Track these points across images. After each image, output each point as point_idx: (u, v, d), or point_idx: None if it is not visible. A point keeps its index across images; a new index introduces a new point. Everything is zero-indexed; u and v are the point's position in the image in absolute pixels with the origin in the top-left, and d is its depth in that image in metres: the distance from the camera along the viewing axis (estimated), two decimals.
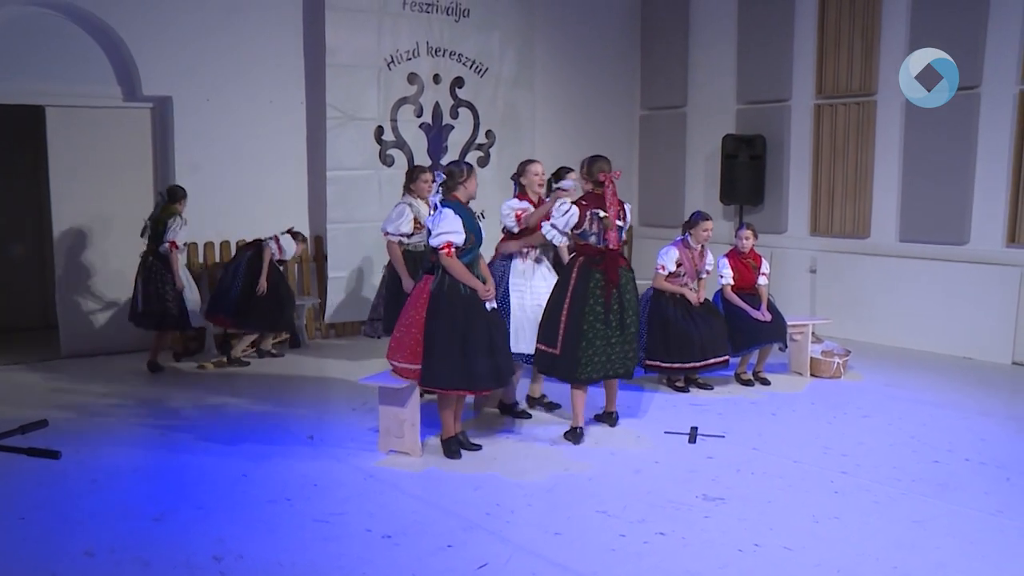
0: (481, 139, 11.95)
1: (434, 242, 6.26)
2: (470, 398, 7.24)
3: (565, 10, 12.85)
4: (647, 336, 8.20)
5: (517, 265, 7.32)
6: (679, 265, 8.29)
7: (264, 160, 10.32)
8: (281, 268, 9.47)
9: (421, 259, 7.92)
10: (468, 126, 11.82)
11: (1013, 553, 5.03)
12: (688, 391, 8.43)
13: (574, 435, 6.91)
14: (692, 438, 7.00)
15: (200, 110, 10.05)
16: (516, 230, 7.30)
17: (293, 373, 9.16)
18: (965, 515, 5.53)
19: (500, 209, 7.52)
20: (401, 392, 6.47)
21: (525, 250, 7.33)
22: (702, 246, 8.41)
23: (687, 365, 8.23)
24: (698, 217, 8.36)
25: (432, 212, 6.46)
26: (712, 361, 8.28)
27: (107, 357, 9.72)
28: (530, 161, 7.61)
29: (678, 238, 8.48)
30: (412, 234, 8.05)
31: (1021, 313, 9.72)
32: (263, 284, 9.04)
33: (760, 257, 8.89)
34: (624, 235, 7.04)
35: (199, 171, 9.91)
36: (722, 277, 8.76)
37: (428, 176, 8.11)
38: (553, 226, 6.83)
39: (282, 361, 9.65)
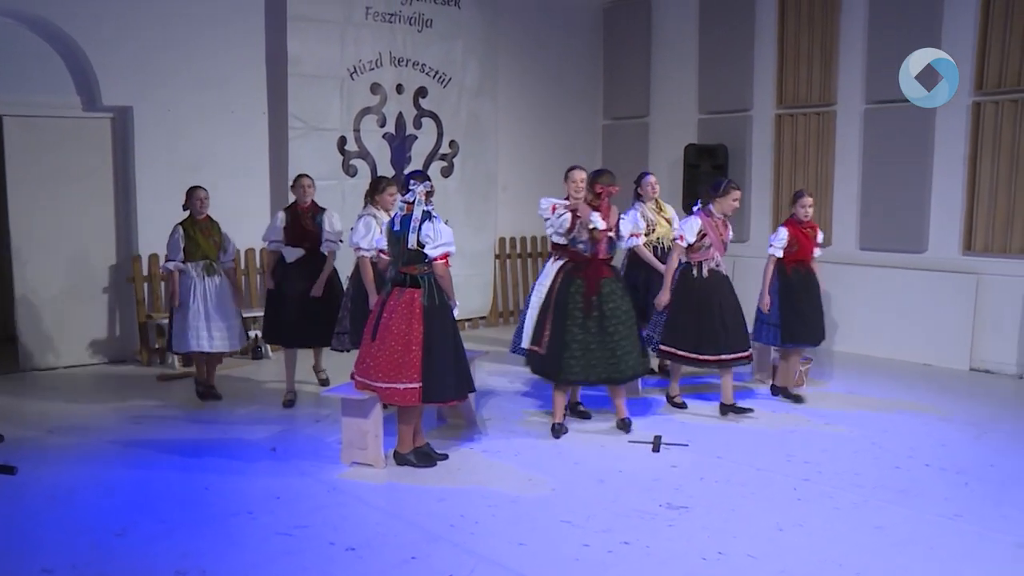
0: (445, 149, 11.95)
1: (434, 252, 6.29)
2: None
3: (528, 20, 12.88)
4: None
5: (548, 266, 7.66)
6: (703, 236, 7.77)
7: (226, 171, 10.23)
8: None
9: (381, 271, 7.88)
10: (432, 136, 11.81)
11: (972, 557, 5.07)
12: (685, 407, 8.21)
13: (554, 431, 7.26)
14: (656, 447, 7.00)
15: (161, 120, 9.98)
16: (546, 217, 7.50)
17: (256, 385, 9.09)
18: (925, 520, 5.58)
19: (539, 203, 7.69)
20: (364, 404, 6.44)
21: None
22: (725, 216, 7.87)
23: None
24: (727, 185, 7.81)
25: (424, 221, 6.39)
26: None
27: (67, 370, 9.60)
28: (573, 168, 7.63)
29: (696, 207, 7.97)
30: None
31: (977, 320, 9.84)
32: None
33: (816, 226, 8.56)
34: (617, 248, 7.35)
35: (159, 181, 9.82)
36: (772, 246, 8.35)
37: (394, 190, 7.87)
38: (551, 226, 7.35)
39: (245, 373, 9.57)
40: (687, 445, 7.08)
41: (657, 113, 13.03)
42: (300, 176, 8.52)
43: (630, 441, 7.18)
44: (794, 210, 8.46)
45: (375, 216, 7.80)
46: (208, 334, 8.10)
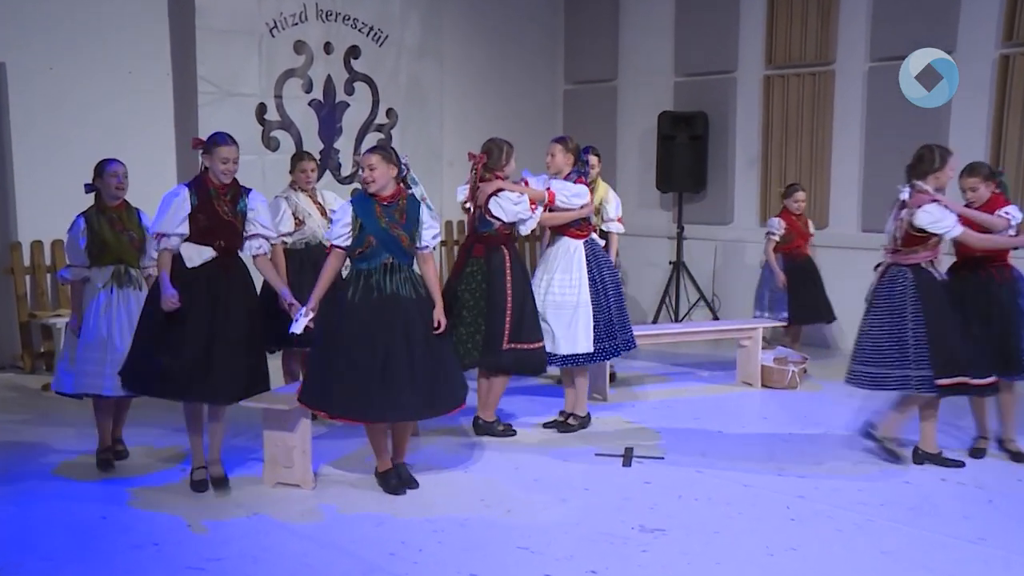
0: (381, 119, 11.89)
1: (433, 243, 6.44)
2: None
3: None
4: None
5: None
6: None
7: (123, 142, 9.95)
8: None
9: (305, 257, 7.88)
10: (366, 103, 11.74)
11: None
12: None
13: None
14: (627, 460, 6.99)
15: (41, 80, 9.80)
16: None
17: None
18: (942, 543, 5.58)
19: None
20: (288, 415, 6.36)
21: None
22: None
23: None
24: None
25: (421, 204, 6.40)
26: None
27: None
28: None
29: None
30: (292, 232, 7.93)
31: None
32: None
33: (807, 220, 10.26)
34: (498, 225, 7.34)
35: (42, 154, 9.67)
36: (772, 233, 9.98)
37: (309, 165, 8.01)
38: None
39: None
40: (663, 458, 7.08)
41: (627, 76, 13.03)
42: (217, 140, 6.40)
43: (597, 454, 7.17)
44: (786, 203, 9.92)
45: (287, 198, 7.88)
46: (111, 370, 6.51)
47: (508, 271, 7.33)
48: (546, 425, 7.86)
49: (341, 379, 6.05)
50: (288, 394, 6.54)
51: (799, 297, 9.89)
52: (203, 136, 6.63)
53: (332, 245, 6.24)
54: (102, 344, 6.60)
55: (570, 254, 7.65)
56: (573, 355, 7.57)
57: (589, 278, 7.61)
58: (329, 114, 11.44)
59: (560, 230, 7.72)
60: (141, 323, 6.35)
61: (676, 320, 12.05)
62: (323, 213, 7.99)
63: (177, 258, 6.19)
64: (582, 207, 7.59)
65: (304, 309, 6.18)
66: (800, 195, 10.02)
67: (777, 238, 9.94)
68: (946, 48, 9.84)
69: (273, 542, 5.57)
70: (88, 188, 6.86)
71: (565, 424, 7.83)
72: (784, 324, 9.99)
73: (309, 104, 11.27)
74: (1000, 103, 9.90)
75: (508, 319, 7.27)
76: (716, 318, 11.98)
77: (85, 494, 6.36)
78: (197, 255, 6.20)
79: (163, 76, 10.54)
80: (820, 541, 5.59)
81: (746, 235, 11.87)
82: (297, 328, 6.16)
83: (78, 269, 6.75)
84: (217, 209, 6.22)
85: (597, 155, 8.79)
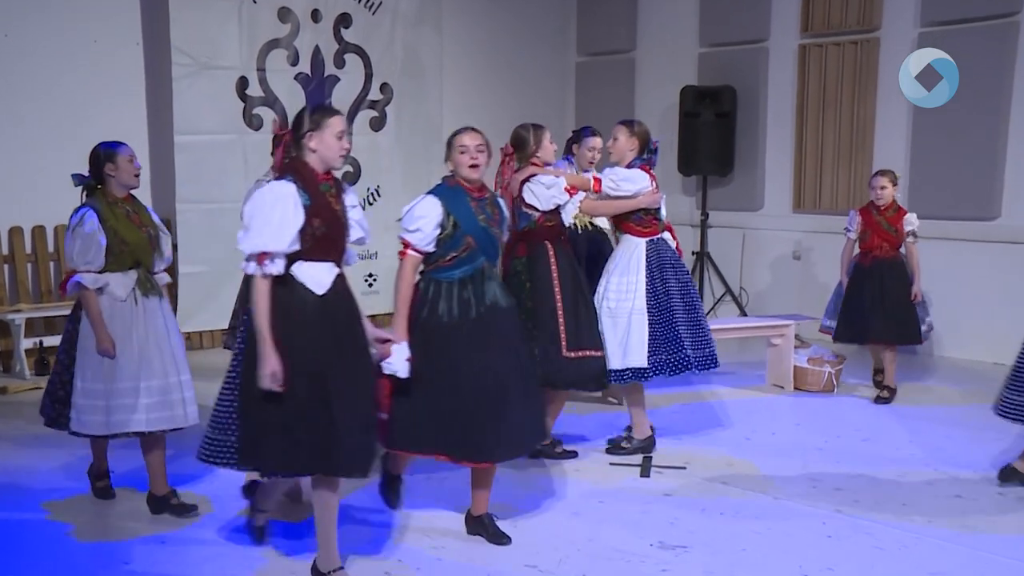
0: (375, 94, 11.89)
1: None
2: None
3: None
4: None
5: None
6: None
7: (89, 119, 10.00)
8: None
9: None
10: (358, 77, 11.75)
11: None
12: None
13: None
14: (645, 470, 6.99)
15: None
16: None
17: None
18: (997, 565, 5.53)
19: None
20: None
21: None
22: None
23: None
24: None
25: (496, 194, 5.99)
26: None
27: None
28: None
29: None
30: None
31: None
32: None
33: (903, 211, 8.96)
34: (537, 216, 6.95)
35: None
36: (848, 230, 9.17)
37: None
38: None
39: None
40: (685, 468, 7.06)
41: (646, 47, 13.01)
42: (326, 110, 5.16)
43: (612, 464, 7.16)
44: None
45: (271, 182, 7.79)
46: (147, 400, 6.00)
47: (554, 268, 6.91)
48: (608, 450, 7.54)
49: (450, 415, 5.40)
50: None
51: (851, 308, 9.00)
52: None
53: (412, 250, 5.49)
54: (136, 370, 5.94)
55: (629, 253, 7.28)
56: (624, 369, 7.17)
57: (648, 282, 7.20)
58: (317, 89, 11.41)
59: (621, 226, 7.40)
60: (247, 387, 4.92)
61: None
62: None
63: (283, 287, 4.88)
64: (636, 195, 7.18)
65: (403, 344, 5.32)
66: (878, 180, 8.95)
67: (851, 236, 9.13)
68: (1011, 9, 9.87)
69: (257, 560, 5.56)
70: (80, 179, 6.11)
71: (618, 447, 7.50)
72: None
73: (295, 78, 11.26)
74: None
75: (562, 323, 6.83)
76: (744, 314, 11.96)
77: (45, 506, 6.36)
78: (326, 276, 4.98)
79: (133, 46, 10.53)
80: (859, 560, 5.55)
81: (777, 222, 11.83)
82: (401, 370, 5.28)
83: (90, 275, 5.93)
84: (335, 209, 5.03)
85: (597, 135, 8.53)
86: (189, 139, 10.39)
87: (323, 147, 4.94)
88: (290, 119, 10.59)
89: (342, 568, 5.13)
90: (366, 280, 11.59)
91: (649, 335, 7.09)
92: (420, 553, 5.64)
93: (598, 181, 7.14)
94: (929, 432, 7.94)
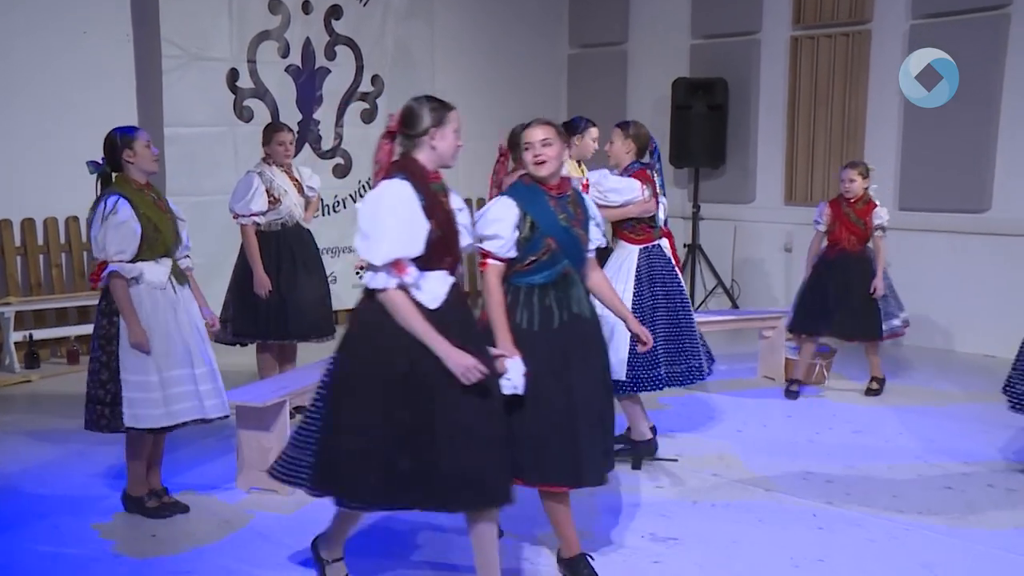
0: (366, 86, 11.86)
1: (601, 241, 5.40)
2: None
3: None
4: None
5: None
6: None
7: (79, 111, 9.98)
8: None
9: (280, 240, 7.89)
10: (349, 69, 11.71)
11: None
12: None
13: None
14: (637, 463, 6.97)
15: None
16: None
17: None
18: (989, 557, 5.55)
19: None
20: (266, 412, 6.34)
21: None
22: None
23: None
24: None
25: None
26: None
27: None
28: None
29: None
30: (266, 211, 7.89)
31: None
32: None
33: (872, 204, 8.72)
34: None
35: None
36: (817, 223, 8.91)
37: (287, 137, 7.93)
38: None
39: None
40: (676, 460, 7.06)
41: (638, 39, 13.01)
42: (446, 103, 4.84)
43: None
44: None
45: (261, 173, 7.82)
46: (204, 387, 6.00)
47: None
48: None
49: (526, 435, 4.87)
50: (264, 388, 6.51)
51: (815, 300, 8.81)
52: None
53: (491, 258, 4.94)
54: (187, 358, 5.90)
55: (621, 261, 7.07)
56: None
57: (635, 294, 6.93)
58: (308, 81, 11.38)
59: (615, 231, 7.17)
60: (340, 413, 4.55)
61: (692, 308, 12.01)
62: (300, 191, 7.97)
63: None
64: (624, 205, 6.94)
65: (517, 358, 4.76)
66: (846, 173, 8.72)
67: (819, 228, 8.88)
68: (1001, 1, 9.88)
69: (250, 553, 5.54)
70: (96, 167, 5.99)
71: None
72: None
73: (286, 70, 11.21)
74: None
75: None
76: (735, 306, 11.97)
77: (23, 502, 6.33)
78: (441, 287, 4.55)
79: (122, 37, 10.46)
80: (850, 552, 5.56)
81: (768, 214, 11.83)
82: (520, 386, 4.73)
83: (130, 265, 5.78)
84: (448, 210, 4.61)
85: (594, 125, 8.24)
86: (179, 131, 10.34)
87: (444, 144, 4.60)
88: (281, 112, 10.68)
89: None
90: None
91: (629, 350, 6.82)
92: (403, 542, 5.62)
93: (586, 187, 6.92)
94: (920, 424, 7.96)
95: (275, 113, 10.95)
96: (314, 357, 7.70)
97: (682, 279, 7.30)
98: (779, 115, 11.77)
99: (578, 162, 8.13)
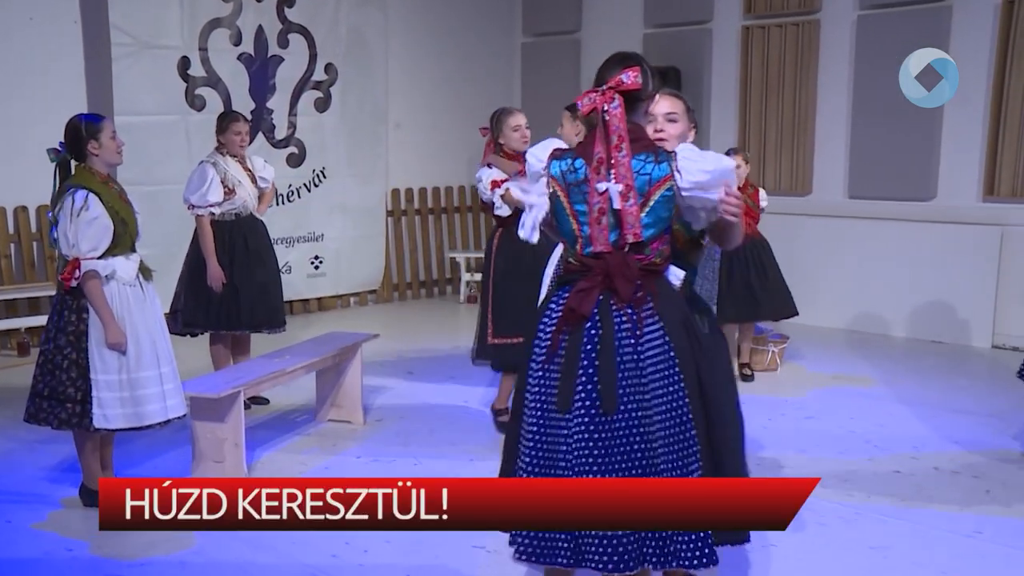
0: (319, 75, 11.83)
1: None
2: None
3: None
4: None
5: None
6: None
7: (25, 100, 9.92)
8: None
9: (235, 230, 7.86)
10: (302, 58, 11.69)
11: None
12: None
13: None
14: None
15: None
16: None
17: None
18: (936, 538, 5.62)
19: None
20: (220, 402, 6.32)
21: None
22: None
23: None
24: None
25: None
26: None
27: None
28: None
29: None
30: (222, 202, 7.86)
31: (1002, 284, 10.04)
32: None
33: (758, 189, 8.98)
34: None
35: None
36: None
37: (243, 127, 7.89)
38: None
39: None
40: None
41: (591, 28, 13.01)
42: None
43: None
44: None
45: (215, 163, 7.78)
46: (161, 389, 5.87)
47: (492, 256, 7.20)
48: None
49: None
50: (219, 379, 6.51)
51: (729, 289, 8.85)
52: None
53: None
54: (154, 357, 5.81)
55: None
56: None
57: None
58: (261, 69, 11.35)
59: None
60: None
61: None
62: (253, 181, 7.93)
63: None
64: None
65: None
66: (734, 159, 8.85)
67: None
68: None
69: (203, 545, 5.52)
70: (57, 154, 5.85)
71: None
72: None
73: (238, 58, 11.19)
74: (1002, 57, 9.97)
75: (489, 309, 7.21)
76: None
77: None
78: None
79: (70, 24, 10.38)
80: (801, 536, 5.56)
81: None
82: None
83: (104, 261, 5.65)
84: None
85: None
86: (130, 120, 10.23)
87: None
88: (234, 100, 10.63)
89: None
90: (312, 263, 11.53)
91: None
92: (366, 535, 5.61)
93: (523, 173, 6.90)
94: (870, 410, 8.02)
95: (228, 102, 10.91)
96: (267, 348, 7.70)
97: None
98: (731, 104, 11.83)
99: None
